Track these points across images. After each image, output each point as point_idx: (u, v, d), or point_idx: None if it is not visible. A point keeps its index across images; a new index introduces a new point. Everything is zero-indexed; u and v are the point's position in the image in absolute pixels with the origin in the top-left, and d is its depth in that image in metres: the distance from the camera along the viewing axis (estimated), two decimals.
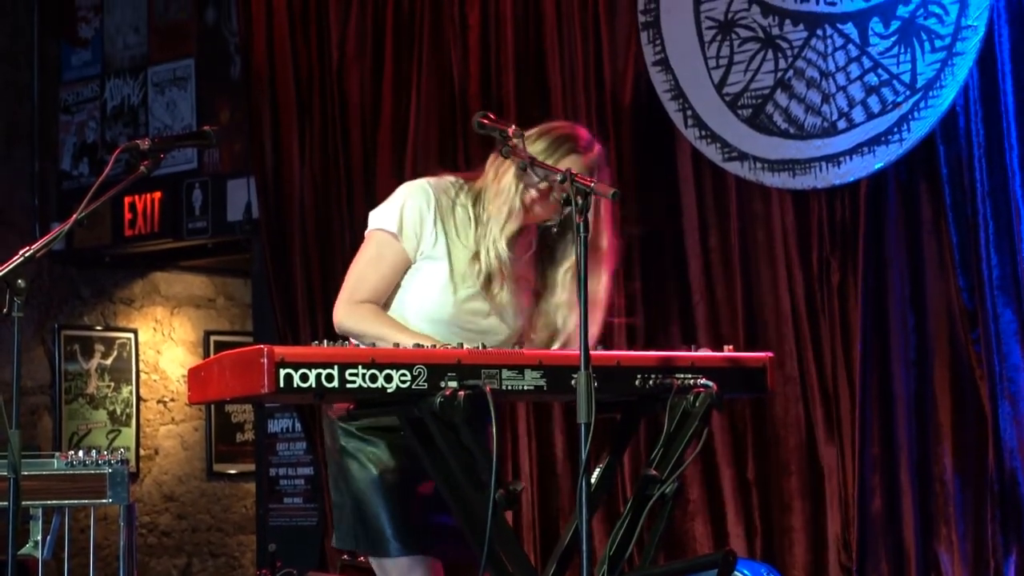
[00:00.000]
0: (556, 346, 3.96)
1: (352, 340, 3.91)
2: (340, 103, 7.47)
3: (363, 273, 3.93)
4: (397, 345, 3.63)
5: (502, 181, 3.90)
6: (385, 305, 3.94)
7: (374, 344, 3.70)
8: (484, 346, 3.67)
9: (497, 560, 3.62)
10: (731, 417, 6.17)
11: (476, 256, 3.91)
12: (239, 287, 10.10)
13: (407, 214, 3.91)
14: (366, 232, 3.97)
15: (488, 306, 3.93)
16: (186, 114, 8.76)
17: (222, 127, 8.24)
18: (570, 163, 3.81)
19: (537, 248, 4.03)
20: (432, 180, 3.98)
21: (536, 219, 3.94)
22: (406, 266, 3.93)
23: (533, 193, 3.87)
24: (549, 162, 3.81)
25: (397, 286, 3.94)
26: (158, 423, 9.76)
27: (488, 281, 3.91)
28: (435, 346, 3.63)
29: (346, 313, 3.89)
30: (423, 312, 3.91)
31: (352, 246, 7.30)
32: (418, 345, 3.61)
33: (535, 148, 3.85)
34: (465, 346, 3.66)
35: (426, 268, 3.92)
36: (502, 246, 3.89)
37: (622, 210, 6.31)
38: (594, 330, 3.88)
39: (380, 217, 3.95)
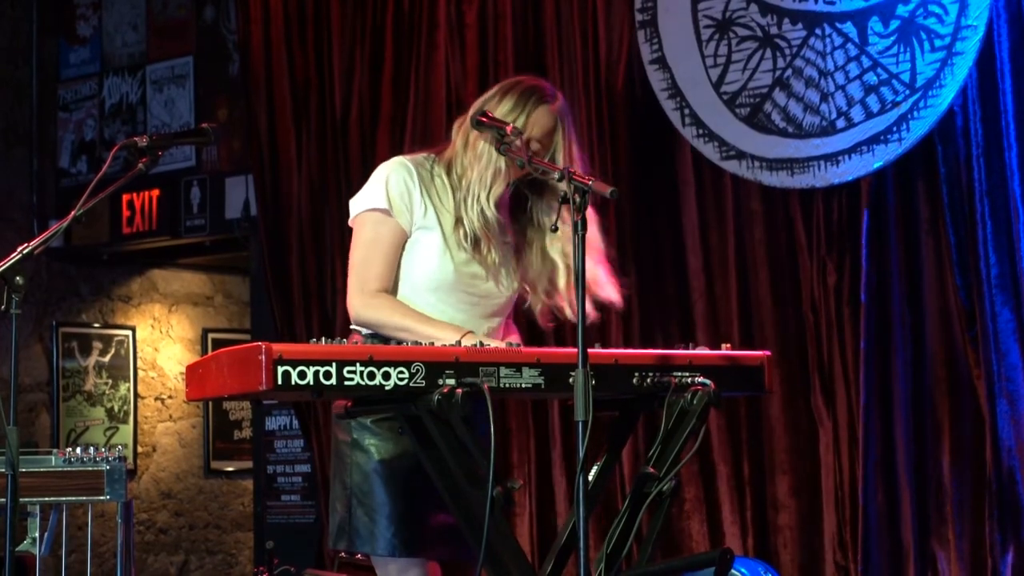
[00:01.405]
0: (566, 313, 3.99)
1: (358, 330, 3.92)
2: (338, 101, 7.47)
3: (367, 258, 3.92)
4: (416, 342, 3.64)
5: (477, 147, 3.93)
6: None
7: (397, 336, 3.72)
8: (482, 344, 3.67)
9: (495, 557, 3.62)
10: (727, 416, 6.17)
11: (459, 221, 3.93)
12: (237, 285, 10.10)
13: (392, 189, 3.93)
14: (353, 218, 3.98)
15: (483, 269, 3.95)
16: (184, 112, 8.77)
17: (220, 125, 8.24)
18: (540, 114, 3.92)
19: (512, 206, 4.06)
20: (407, 156, 4.02)
21: (519, 174, 3.96)
22: (404, 241, 3.94)
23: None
24: (521, 118, 3.89)
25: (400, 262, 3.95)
26: (156, 420, 9.76)
27: (476, 243, 3.93)
28: (460, 342, 3.63)
29: (363, 305, 3.89)
30: (428, 281, 3.92)
31: (350, 243, 7.33)
32: (416, 343, 3.62)
33: (503, 108, 3.91)
34: (459, 339, 3.67)
35: (422, 239, 3.94)
36: (490, 208, 3.92)
37: (622, 208, 6.38)
38: (605, 293, 3.94)
39: (365, 199, 3.96)
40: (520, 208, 4.09)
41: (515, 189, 4.06)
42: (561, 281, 4.01)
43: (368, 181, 3.99)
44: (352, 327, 3.98)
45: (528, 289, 4.08)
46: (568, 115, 3.99)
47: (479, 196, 3.92)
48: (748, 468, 6.17)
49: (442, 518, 3.84)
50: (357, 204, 3.97)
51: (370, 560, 4.01)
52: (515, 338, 4.08)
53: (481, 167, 3.92)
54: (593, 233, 3.95)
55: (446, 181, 3.99)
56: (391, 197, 3.92)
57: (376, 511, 3.85)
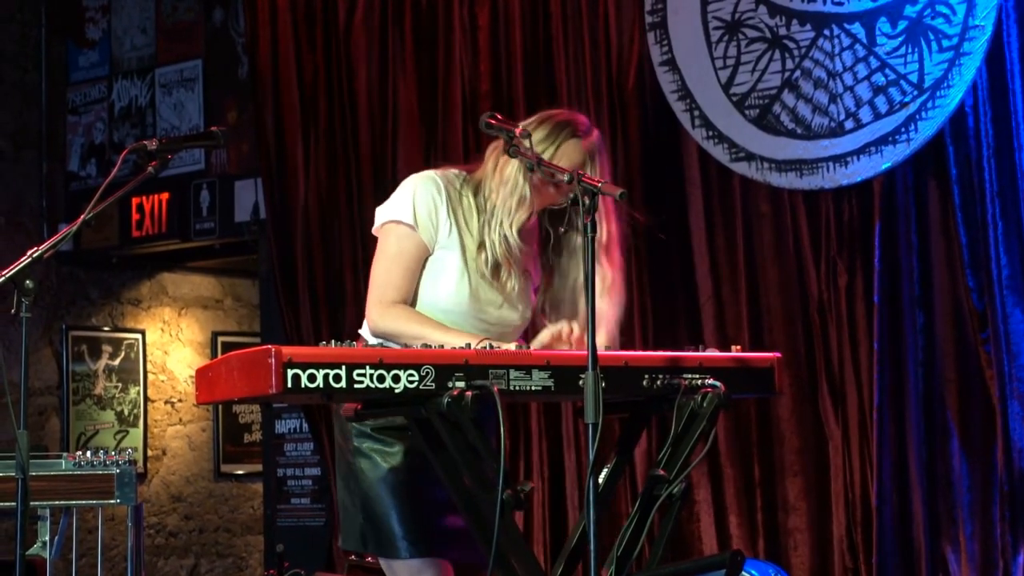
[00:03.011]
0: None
1: (364, 337, 3.92)
2: (347, 103, 7.47)
3: (389, 271, 3.91)
4: (434, 345, 3.63)
5: (505, 171, 3.91)
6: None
7: (408, 345, 3.72)
8: (492, 346, 3.67)
9: (505, 560, 3.62)
10: (737, 418, 6.17)
11: (481, 245, 3.92)
12: (247, 288, 10.10)
13: (420, 204, 3.91)
14: (377, 227, 3.97)
15: (500, 296, 3.94)
16: (193, 115, 8.77)
17: (229, 128, 8.24)
18: (571, 147, 3.90)
19: (541, 237, 4.05)
20: (438, 171, 4.01)
21: (545, 203, 3.95)
22: (426, 257, 3.93)
23: (537, 179, 3.89)
24: (551, 149, 3.88)
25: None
26: (166, 424, 9.77)
27: (496, 270, 3.92)
28: (469, 345, 3.63)
29: (379, 315, 3.88)
30: (442, 302, 3.91)
31: (360, 246, 7.34)
32: (425, 345, 3.61)
33: (536, 136, 3.89)
34: (473, 345, 3.66)
35: (442, 258, 3.93)
36: (512, 235, 3.91)
37: (629, 210, 6.38)
38: (612, 313, 3.91)
39: (392, 210, 3.94)
40: (552, 241, 4.07)
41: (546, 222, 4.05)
42: (580, 307, 4.00)
43: (396, 191, 3.97)
44: (359, 332, 3.97)
45: (549, 311, 4.06)
46: (601, 152, 3.97)
47: (502, 222, 3.91)
48: (758, 470, 6.17)
49: (453, 520, 3.84)
50: (383, 214, 3.96)
51: (379, 563, 4.01)
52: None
53: (506, 192, 3.90)
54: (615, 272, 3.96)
55: (473, 202, 3.97)
56: (417, 212, 3.90)
57: (386, 516, 3.85)
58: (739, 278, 6.24)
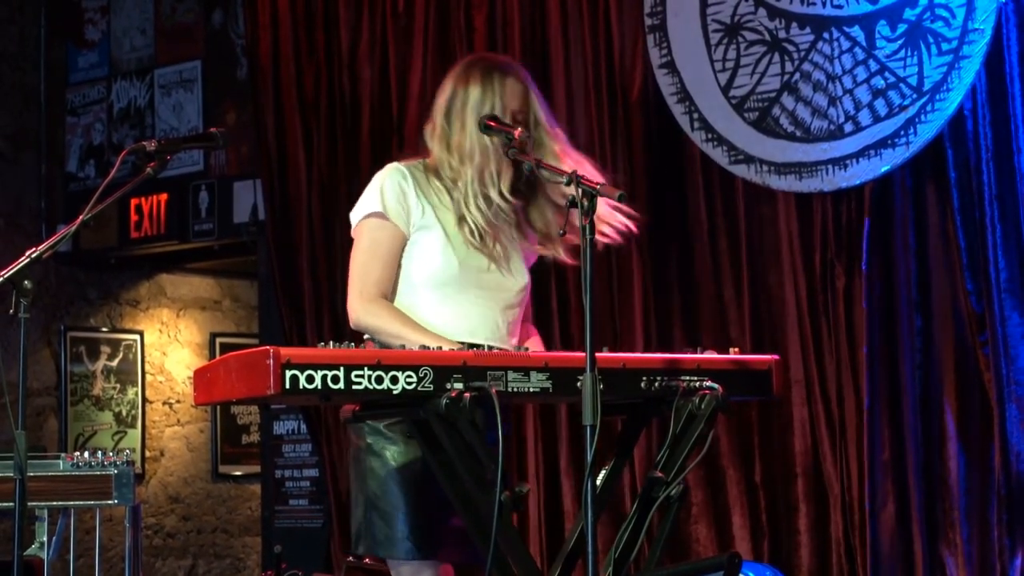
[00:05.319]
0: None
1: (367, 337, 3.94)
2: (347, 105, 7.47)
3: (365, 264, 3.95)
4: (404, 347, 3.64)
5: (464, 146, 3.96)
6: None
7: (392, 344, 3.72)
8: (490, 347, 3.67)
9: (503, 562, 3.62)
10: (738, 420, 6.17)
11: (463, 219, 3.94)
12: (245, 289, 10.10)
13: (388, 193, 3.96)
14: (353, 228, 4.01)
15: (487, 259, 3.96)
16: (192, 116, 8.77)
17: (228, 129, 8.23)
18: (511, 86, 3.98)
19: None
20: (400, 162, 4.05)
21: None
22: (403, 244, 3.96)
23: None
24: (497, 101, 3.94)
25: (399, 265, 3.96)
26: (164, 424, 9.77)
27: (481, 237, 3.95)
28: (440, 347, 3.64)
29: (362, 310, 3.91)
30: (431, 278, 3.94)
31: None
32: (423, 347, 3.62)
33: (473, 95, 3.97)
34: (474, 345, 3.66)
35: (422, 238, 3.96)
36: (502, 200, 3.94)
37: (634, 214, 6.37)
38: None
39: (362, 206, 4.00)
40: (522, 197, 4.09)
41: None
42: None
43: (365, 190, 4.01)
44: (365, 336, 3.99)
45: (543, 243, 4.07)
46: (528, 75, 4.04)
47: (489, 191, 3.93)
48: (759, 472, 6.17)
49: (456, 521, 3.84)
50: (356, 213, 4.01)
51: (377, 564, 4.03)
52: (535, 341, 4.09)
53: (480, 162, 3.93)
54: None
55: (439, 184, 4.01)
56: (386, 201, 3.95)
57: (392, 515, 3.85)
58: (740, 280, 6.25)
